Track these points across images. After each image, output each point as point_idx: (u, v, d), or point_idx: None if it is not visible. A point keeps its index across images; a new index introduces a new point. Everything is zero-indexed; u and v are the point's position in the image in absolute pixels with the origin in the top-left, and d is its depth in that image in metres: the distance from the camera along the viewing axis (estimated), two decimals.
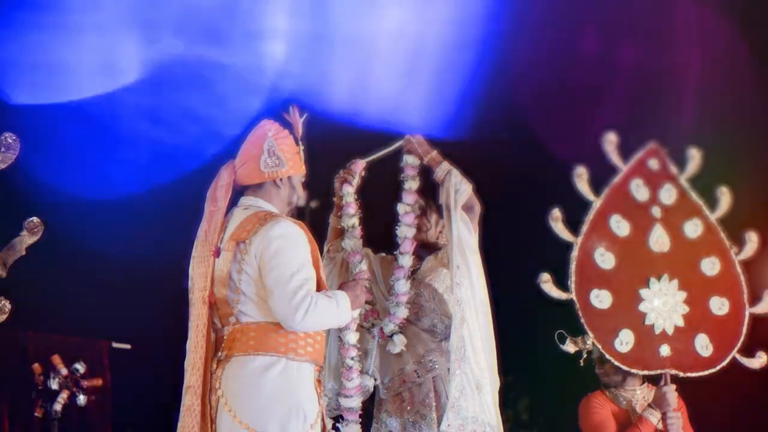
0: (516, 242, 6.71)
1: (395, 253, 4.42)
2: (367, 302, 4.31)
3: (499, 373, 4.42)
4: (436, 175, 4.40)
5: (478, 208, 4.44)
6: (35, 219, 3.64)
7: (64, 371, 7.30)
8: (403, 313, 4.31)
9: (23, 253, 3.61)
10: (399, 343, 4.31)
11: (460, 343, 4.16)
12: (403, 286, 4.31)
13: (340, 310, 3.69)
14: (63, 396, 7.23)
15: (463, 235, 4.29)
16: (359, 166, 4.45)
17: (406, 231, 4.40)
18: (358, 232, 4.37)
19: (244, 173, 3.80)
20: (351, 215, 4.36)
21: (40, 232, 3.64)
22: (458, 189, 4.30)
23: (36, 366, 7.44)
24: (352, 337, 4.15)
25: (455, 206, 4.29)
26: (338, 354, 4.25)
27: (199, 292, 3.74)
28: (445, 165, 4.38)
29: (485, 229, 4.52)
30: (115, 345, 8.50)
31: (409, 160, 4.46)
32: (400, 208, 4.44)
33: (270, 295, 3.58)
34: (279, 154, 3.77)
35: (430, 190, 4.47)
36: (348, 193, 4.36)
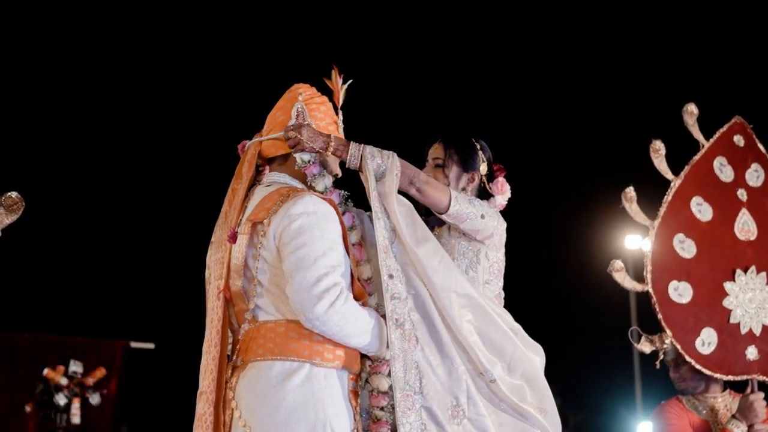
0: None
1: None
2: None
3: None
4: (348, 164, 3.36)
5: (420, 175, 3.39)
6: (14, 194, 2.95)
7: (65, 381, 6.96)
8: None
9: None
10: None
11: (411, 374, 3.23)
12: None
13: (372, 328, 3.17)
14: (76, 406, 6.93)
15: (404, 230, 3.29)
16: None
17: (353, 236, 3.34)
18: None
19: (268, 143, 3.32)
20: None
21: (20, 211, 2.96)
22: (383, 169, 3.30)
23: (49, 372, 7.14)
24: (384, 382, 3.29)
25: (387, 195, 3.29)
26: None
27: (215, 281, 3.27)
28: (354, 147, 3.33)
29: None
30: (134, 345, 8.12)
31: (305, 158, 3.31)
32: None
33: (289, 281, 3.06)
34: (310, 121, 3.29)
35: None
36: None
